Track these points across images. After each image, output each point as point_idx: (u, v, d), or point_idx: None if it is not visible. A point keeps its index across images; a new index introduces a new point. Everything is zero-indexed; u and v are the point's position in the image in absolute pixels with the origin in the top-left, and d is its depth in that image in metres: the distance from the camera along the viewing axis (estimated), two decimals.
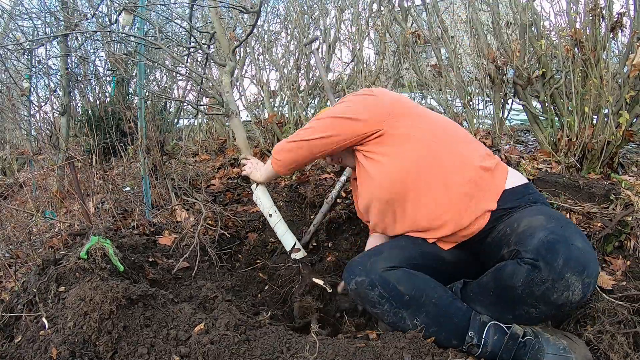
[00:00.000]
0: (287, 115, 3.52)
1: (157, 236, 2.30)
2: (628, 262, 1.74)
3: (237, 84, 4.43)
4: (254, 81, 4.21)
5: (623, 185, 2.24)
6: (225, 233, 2.40)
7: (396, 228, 1.61)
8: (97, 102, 4.74)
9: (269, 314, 1.72)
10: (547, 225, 1.30)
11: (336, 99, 2.97)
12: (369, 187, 1.60)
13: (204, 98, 4.82)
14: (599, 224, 1.93)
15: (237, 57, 4.43)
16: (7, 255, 2.08)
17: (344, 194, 2.61)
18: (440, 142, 1.53)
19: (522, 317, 1.32)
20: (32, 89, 3.51)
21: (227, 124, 4.34)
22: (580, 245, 1.22)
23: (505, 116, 2.96)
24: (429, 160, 1.50)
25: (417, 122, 1.56)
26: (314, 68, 3.80)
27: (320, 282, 1.85)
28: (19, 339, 1.47)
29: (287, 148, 1.75)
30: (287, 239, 1.94)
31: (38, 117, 3.52)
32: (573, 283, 1.18)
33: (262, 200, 2.04)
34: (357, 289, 1.48)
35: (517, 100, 2.89)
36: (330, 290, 1.88)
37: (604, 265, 1.73)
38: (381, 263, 1.47)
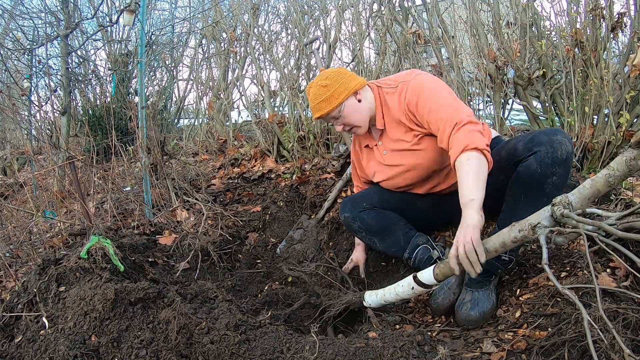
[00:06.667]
0: (287, 115, 3.52)
1: (157, 236, 2.30)
2: (629, 262, 1.73)
3: (238, 83, 4.44)
4: (255, 81, 4.21)
5: (623, 186, 2.24)
6: (226, 235, 2.40)
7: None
8: (98, 101, 4.75)
9: (269, 314, 1.72)
10: (520, 137, 1.68)
11: None
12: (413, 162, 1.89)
13: (205, 97, 4.83)
14: None
15: (238, 57, 4.44)
16: (7, 255, 2.08)
17: (344, 194, 2.61)
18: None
19: (552, 191, 1.57)
20: (33, 89, 3.52)
21: (227, 123, 4.34)
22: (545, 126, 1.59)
23: (505, 116, 2.96)
24: None
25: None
26: (314, 68, 3.79)
27: (372, 315, 1.81)
28: (19, 338, 1.47)
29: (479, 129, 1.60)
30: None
31: (38, 117, 3.53)
32: (561, 140, 1.56)
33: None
34: (345, 220, 2.07)
35: (518, 100, 2.89)
36: (374, 320, 1.80)
37: (606, 267, 1.73)
38: (361, 205, 2.02)
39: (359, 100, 1.84)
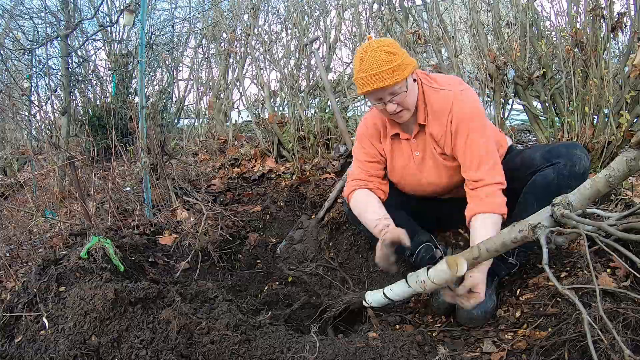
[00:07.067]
0: (287, 115, 3.52)
1: (157, 236, 2.30)
2: (629, 262, 1.73)
3: (238, 83, 4.44)
4: (255, 81, 4.21)
5: (623, 186, 2.24)
6: (226, 235, 2.40)
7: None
8: (98, 101, 4.75)
9: (269, 314, 1.72)
10: (537, 148, 1.74)
11: (336, 99, 2.98)
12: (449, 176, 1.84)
13: (205, 97, 4.83)
14: None
15: (238, 57, 4.44)
16: (7, 255, 2.08)
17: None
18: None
19: None
20: (33, 89, 3.51)
21: (227, 123, 4.34)
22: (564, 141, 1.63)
23: (505, 116, 2.96)
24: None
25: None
26: (314, 68, 3.79)
27: (373, 315, 1.80)
28: (20, 338, 1.47)
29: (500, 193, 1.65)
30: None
31: (38, 117, 3.52)
32: (580, 155, 1.60)
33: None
34: (349, 213, 2.00)
35: (518, 100, 2.89)
36: (374, 320, 1.80)
37: (606, 267, 1.73)
38: None
39: (414, 80, 1.67)
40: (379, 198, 1.86)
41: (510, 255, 1.71)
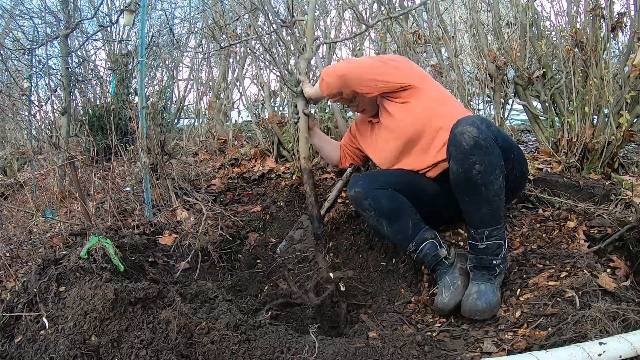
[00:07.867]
0: (287, 115, 3.52)
1: (157, 236, 2.30)
2: (629, 262, 1.74)
3: (238, 83, 4.43)
4: (255, 81, 4.20)
5: (623, 186, 2.24)
6: (226, 235, 2.40)
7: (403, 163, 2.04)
8: (98, 101, 4.75)
9: (269, 314, 1.71)
10: None
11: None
12: (395, 127, 1.98)
13: (205, 97, 4.83)
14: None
15: (238, 57, 4.43)
16: (7, 255, 2.08)
17: (344, 194, 2.61)
18: (447, 98, 2.00)
19: (483, 180, 1.60)
20: (33, 89, 3.51)
21: (227, 123, 4.34)
22: None
23: (505, 116, 2.96)
24: (440, 107, 1.90)
25: (433, 85, 2.02)
26: (314, 68, 3.79)
27: (336, 275, 1.78)
28: (20, 338, 1.47)
29: (339, 74, 1.92)
30: None
31: (38, 117, 3.52)
32: (461, 131, 1.58)
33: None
34: (354, 195, 1.95)
35: (518, 100, 2.89)
36: (344, 289, 1.81)
37: (606, 267, 1.73)
38: (376, 182, 1.94)
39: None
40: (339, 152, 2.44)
41: (480, 240, 1.70)
